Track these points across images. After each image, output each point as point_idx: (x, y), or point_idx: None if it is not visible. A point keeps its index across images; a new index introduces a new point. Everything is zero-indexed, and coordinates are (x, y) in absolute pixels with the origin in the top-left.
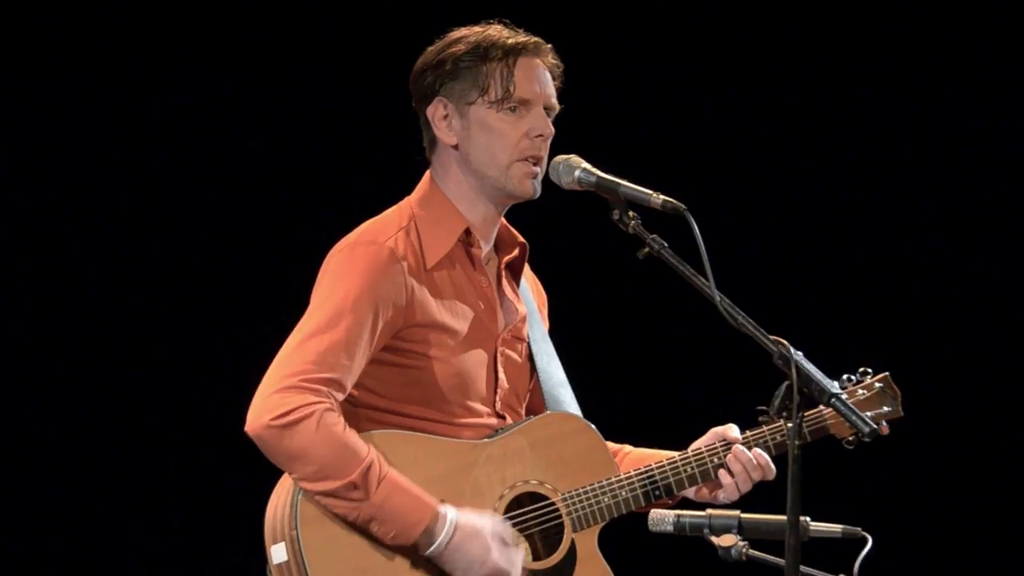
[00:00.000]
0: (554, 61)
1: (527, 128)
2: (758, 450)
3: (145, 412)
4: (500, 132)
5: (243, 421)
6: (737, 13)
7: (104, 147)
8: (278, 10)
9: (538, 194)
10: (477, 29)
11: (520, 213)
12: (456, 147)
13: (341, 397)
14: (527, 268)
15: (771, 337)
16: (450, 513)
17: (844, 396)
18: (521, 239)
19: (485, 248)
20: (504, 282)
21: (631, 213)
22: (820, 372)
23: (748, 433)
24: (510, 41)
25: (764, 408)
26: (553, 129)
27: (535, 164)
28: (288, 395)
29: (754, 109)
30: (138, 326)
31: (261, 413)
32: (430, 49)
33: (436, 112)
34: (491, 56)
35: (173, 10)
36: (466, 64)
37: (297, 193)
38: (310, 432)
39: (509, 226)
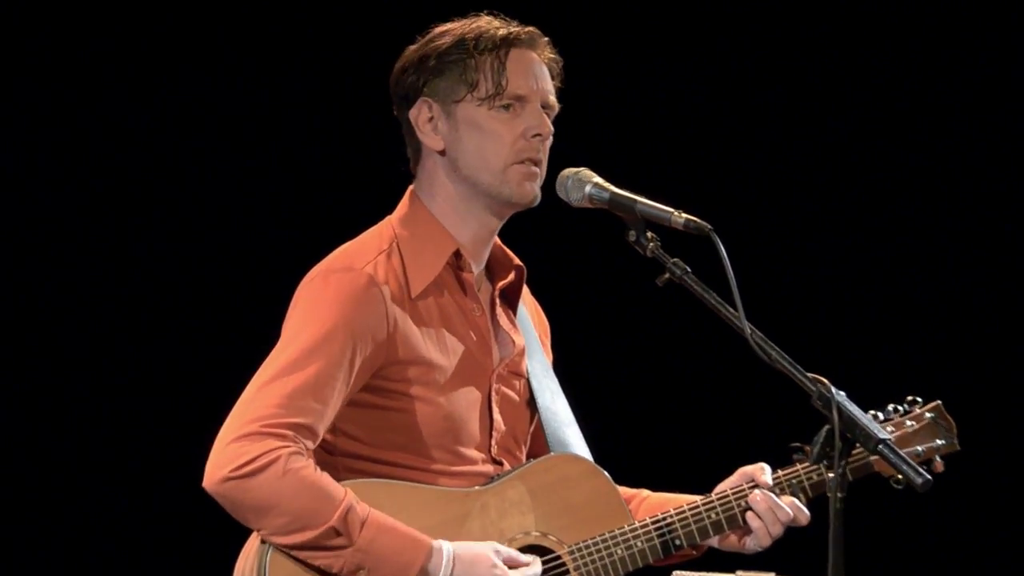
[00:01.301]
0: (552, 56)
1: (523, 127)
2: (788, 498)
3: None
4: (492, 132)
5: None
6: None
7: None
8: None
9: (538, 200)
10: (463, 22)
11: (521, 231)
12: (443, 152)
13: (312, 445)
14: (527, 293)
15: (809, 375)
16: (445, 546)
17: (892, 440)
18: (517, 261)
19: (476, 270)
20: (499, 310)
21: (649, 234)
22: (865, 415)
23: (780, 472)
24: (501, 32)
25: (799, 444)
26: (552, 128)
27: (534, 165)
28: (248, 443)
29: (778, 116)
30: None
31: (219, 466)
32: (411, 48)
33: (420, 114)
34: (480, 48)
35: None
36: (452, 58)
37: (265, 216)
38: (276, 479)
39: (503, 246)
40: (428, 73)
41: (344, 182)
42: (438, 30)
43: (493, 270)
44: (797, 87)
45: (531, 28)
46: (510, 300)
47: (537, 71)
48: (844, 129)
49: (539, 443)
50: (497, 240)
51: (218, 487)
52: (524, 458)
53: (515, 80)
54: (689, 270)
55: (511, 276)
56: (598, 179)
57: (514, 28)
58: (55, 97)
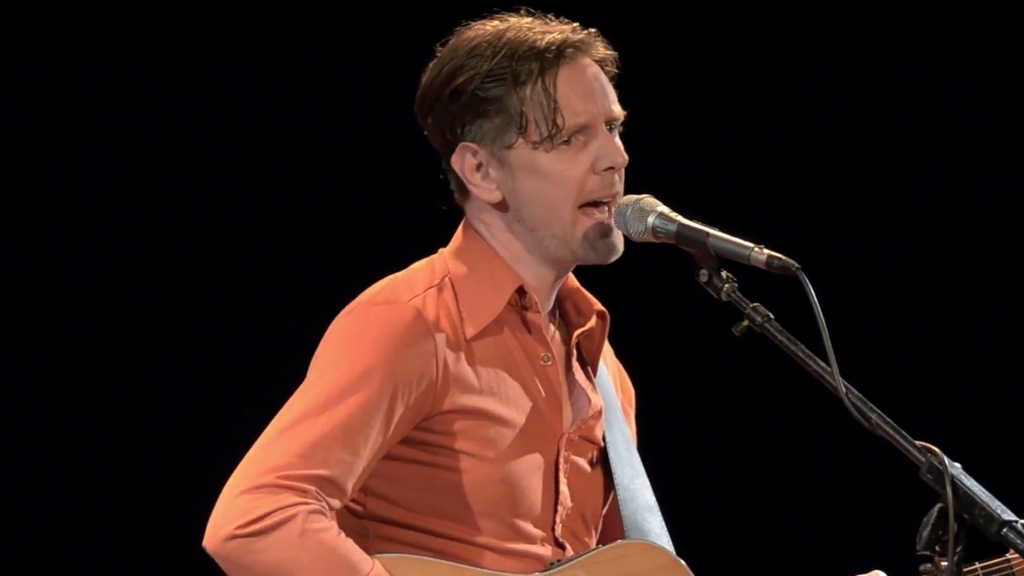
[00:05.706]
0: (606, 52)
1: (591, 160)
2: None
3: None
4: (557, 176)
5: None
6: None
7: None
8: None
9: (620, 252)
10: (491, 28)
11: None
12: (500, 203)
13: (338, 504)
14: (609, 353)
15: (917, 443)
16: None
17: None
18: (599, 306)
19: (544, 311)
20: (575, 364)
21: (725, 274)
22: (986, 491)
23: None
24: (540, 44)
25: (927, 553)
26: (626, 156)
27: (608, 209)
28: (261, 496)
29: (888, 136)
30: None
31: (224, 521)
32: (436, 64)
33: (465, 164)
34: (522, 76)
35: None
36: (491, 93)
37: (299, 245)
38: (290, 540)
39: (582, 289)
40: (465, 113)
41: (391, 210)
42: (464, 45)
43: (569, 317)
44: (909, 118)
45: (574, 27)
46: (589, 354)
47: (595, 84)
48: (956, 155)
49: (613, 529)
50: (575, 281)
51: (220, 546)
52: (594, 544)
53: (571, 108)
54: (772, 317)
55: (591, 323)
56: (663, 208)
57: (555, 35)
58: (70, 103)
